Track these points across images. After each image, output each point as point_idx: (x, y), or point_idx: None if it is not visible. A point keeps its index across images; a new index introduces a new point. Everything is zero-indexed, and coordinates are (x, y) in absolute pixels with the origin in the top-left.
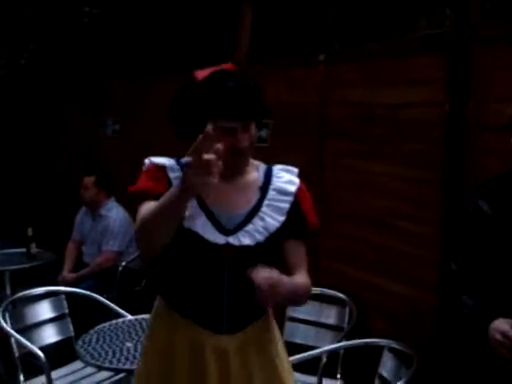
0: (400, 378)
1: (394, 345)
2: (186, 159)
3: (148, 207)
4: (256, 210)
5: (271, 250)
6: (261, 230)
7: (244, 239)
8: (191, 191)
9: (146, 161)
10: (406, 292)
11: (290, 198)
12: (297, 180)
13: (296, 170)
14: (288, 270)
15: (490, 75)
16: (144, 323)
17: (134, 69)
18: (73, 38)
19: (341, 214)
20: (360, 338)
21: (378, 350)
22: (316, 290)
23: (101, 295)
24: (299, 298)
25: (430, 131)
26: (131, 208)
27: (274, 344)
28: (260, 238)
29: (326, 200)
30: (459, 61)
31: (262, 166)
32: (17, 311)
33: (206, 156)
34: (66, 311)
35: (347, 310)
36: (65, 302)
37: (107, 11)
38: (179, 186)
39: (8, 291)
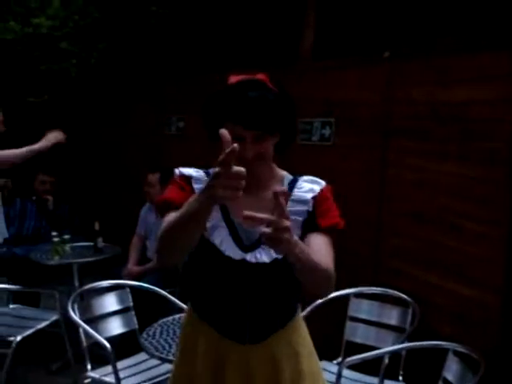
0: (465, 382)
1: (460, 348)
2: (213, 169)
3: (170, 218)
4: None
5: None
6: None
7: (260, 256)
8: (215, 200)
9: (176, 171)
10: (470, 294)
11: (306, 208)
12: (318, 189)
13: (323, 181)
14: None
15: None
16: None
17: (199, 66)
18: (140, 38)
19: (404, 213)
20: (422, 341)
21: (441, 352)
22: (378, 290)
23: (164, 289)
24: (319, 277)
25: (497, 129)
26: None
27: (302, 355)
28: (276, 255)
29: (389, 199)
30: None
31: (288, 178)
32: (84, 303)
33: (236, 168)
34: (131, 304)
35: (410, 311)
36: (130, 296)
37: (174, 10)
38: (204, 192)
39: (76, 283)
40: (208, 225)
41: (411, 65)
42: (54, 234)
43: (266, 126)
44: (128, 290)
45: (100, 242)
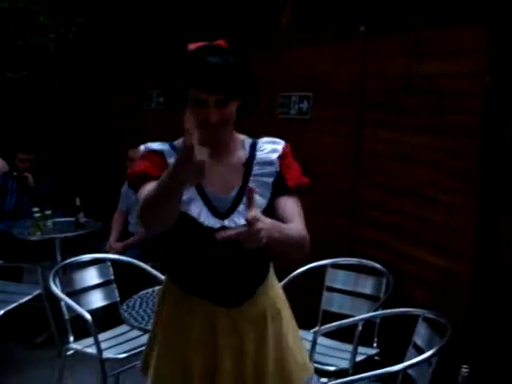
0: (433, 347)
1: (429, 314)
2: (178, 142)
3: (150, 187)
4: (244, 188)
5: None
6: None
7: (238, 220)
8: (181, 184)
9: (142, 147)
10: (443, 264)
11: (274, 168)
12: (280, 148)
13: (282, 141)
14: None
15: None
16: None
17: (177, 41)
18: (120, 12)
19: (379, 186)
20: (396, 308)
21: (414, 319)
22: (353, 260)
23: (145, 263)
24: (295, 245)
25: (468, 103)
26: None
27: (282, 314)
28: None
29: (364, 172)
30: (501, 32)
31: (248, 141)
32: (66, 277)
33: (197, 159)
34: (112, 277)
35: (384, 280)
36: (111, 269)
37: None
38: (171, 174)
39: (58, 258)
40: (183, 198)
41: (386, 39)
42: (36, 209)
43: (228, 90)
44: (109, 263)
45: (82, 218)
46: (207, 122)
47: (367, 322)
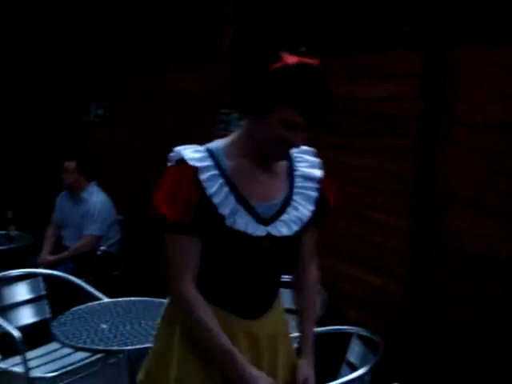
0: (366, 364)
1: (362, 332)
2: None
3: (182, 254)
4: (288, 198)
5: (300, 238)
6: (295, 219)
7: (282, 229)
8: None
9: (173, 155)
10: (376, 282)
11: (317, 185)
12: (319, 163)
13: (313, 149)
14: (302, 257)
15: (464, 73)
16: (120, 306)
17: (119, 55)
18: (57, 21)
19: None
20: (331, 325)
21: (348, 336)
22: (289, 278)
23: (79, 279)
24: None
25: (404, 126)
26: (113, 192)
27: (286, 323)
28: (295, 227)
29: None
30: (435, 57)
31: None
32: None
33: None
34: (43, 293)
35: (320, 298)
36: (42, 284)
37: None
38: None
39: None
40: (226, 211)
41: (325, 60)
42: None
43: (322, 120)
44: (41, 278)
45: (13, 231)
46: (290, 145)
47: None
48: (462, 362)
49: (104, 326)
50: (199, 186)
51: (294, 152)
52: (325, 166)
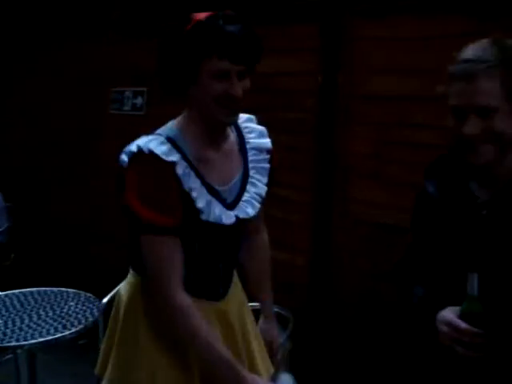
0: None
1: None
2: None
3: (169, 257)
4: (245, 176)
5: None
6: (256, 197)
7: (248, 210)
8: None
9: (143, 149)
10: (280, 257)
11: (268, 156)
12: (264, 130)
13: (252, 116)
14: (255, 226)
15: (361, 47)
16: (15, 298)
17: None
18: None
19: None
20: None
21: (255, 313)
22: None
23: None
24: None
25: (302, 100)
26: None
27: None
28: (258, 205)
29: None
30: (332, 32)
31: None
32: None
33: None
34: None
35: None
36: None
37: None
38: None
39: None
40: (202, 205)
41: None
42: None
43: (250, 60)
44: None
45: None
46: (231, 97)
47: None
48: (367, 334)
49: None
50: (179, 182)
51: (241, 122)
52: None
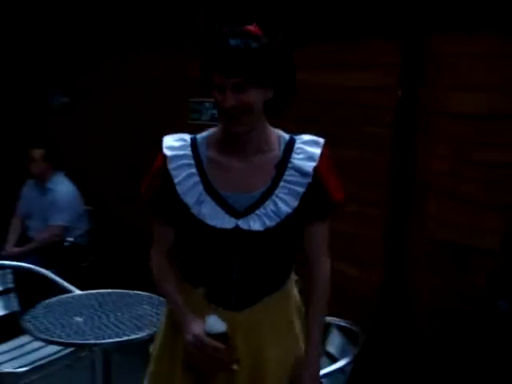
0: (347, 355)
1: (342, 322)
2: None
3: (156, 230)
4: (270, 192)
5: (284, 235)
6: (271, 215)
7: (254, 224)
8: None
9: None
10: (353, 272)
11: (308, 180)
12: (317, 154)
13: (322, 140)
14: (309, 257)
15: (441, 62)
16: (93, 299)
17: (90, 44)
18: (27, 7)
19: None
20: None
21: (326, 327)
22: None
23: (47, 270)
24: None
25: (381, 115)
26: (81, 183)
27: (290, 322)
28: (270, 223)
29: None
30: (413, 47)
31: (284, 139)
32: None
33: (214, 330)
34: (11, 286)
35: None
36: (10, 277)
37: None
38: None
39: None
40: (191, 201)
41: (303, 50)
42: None
43: (244, 73)
44: (8, 270)
45: None
46: (223, 108)
47: None
48: (439, 351)
49: (78, 319)
50: (167, 175)
51: (298, 143)
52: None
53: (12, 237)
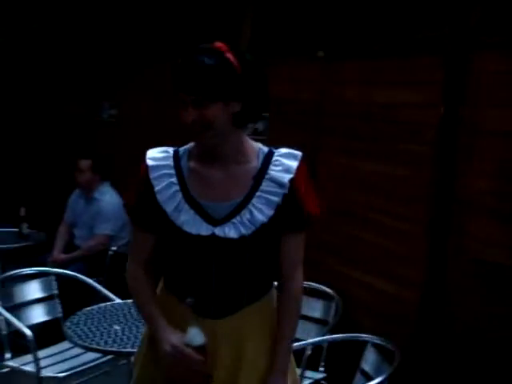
0: (382, 373)
1: (377, 340)
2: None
3: (134, 240)
4: (247, 201)
5: (260, 243)
6: (247, 223)
7: (229, 231)
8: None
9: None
10: (390, 289)
11: (284, 191)
12: (294, 167)
13: (299, 154)
14: (283, 268)
15: (485, 80)
16: (133, 308)
17: (134, 54)
18: (75, 21)
19: (331, 210)
20: (344, 333)
21: (362, 345)
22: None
23: (90, 278)
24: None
25: (422, 132)
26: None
27: (272, 330)
28: (245, 231)
29: (318, 196)
30: (456, 64)
31: (263, 151)
32: (6, 290)
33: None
34: (55, 292)
35: (333, 305)
36: (54, 283)
37: None
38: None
39: None
40: (170, 208)
41: (344, 65)
42: None
43: (200, 91)
44: (53, 277)
45: (25, 229)
46: (185, 123)
47: (315, 346)
48: (476, 372)
49: (117, 328)
50: (149, 184)
51: (276, 156)
52: (341, 171)
53: (59, 244)
